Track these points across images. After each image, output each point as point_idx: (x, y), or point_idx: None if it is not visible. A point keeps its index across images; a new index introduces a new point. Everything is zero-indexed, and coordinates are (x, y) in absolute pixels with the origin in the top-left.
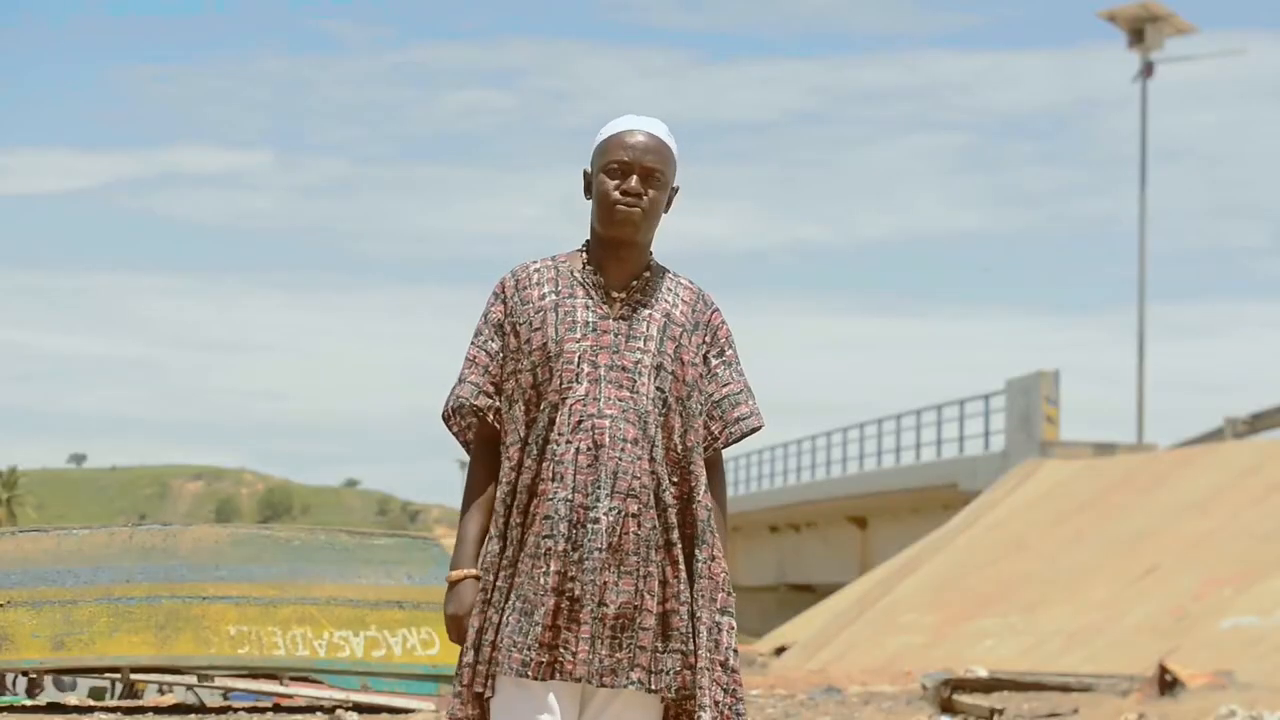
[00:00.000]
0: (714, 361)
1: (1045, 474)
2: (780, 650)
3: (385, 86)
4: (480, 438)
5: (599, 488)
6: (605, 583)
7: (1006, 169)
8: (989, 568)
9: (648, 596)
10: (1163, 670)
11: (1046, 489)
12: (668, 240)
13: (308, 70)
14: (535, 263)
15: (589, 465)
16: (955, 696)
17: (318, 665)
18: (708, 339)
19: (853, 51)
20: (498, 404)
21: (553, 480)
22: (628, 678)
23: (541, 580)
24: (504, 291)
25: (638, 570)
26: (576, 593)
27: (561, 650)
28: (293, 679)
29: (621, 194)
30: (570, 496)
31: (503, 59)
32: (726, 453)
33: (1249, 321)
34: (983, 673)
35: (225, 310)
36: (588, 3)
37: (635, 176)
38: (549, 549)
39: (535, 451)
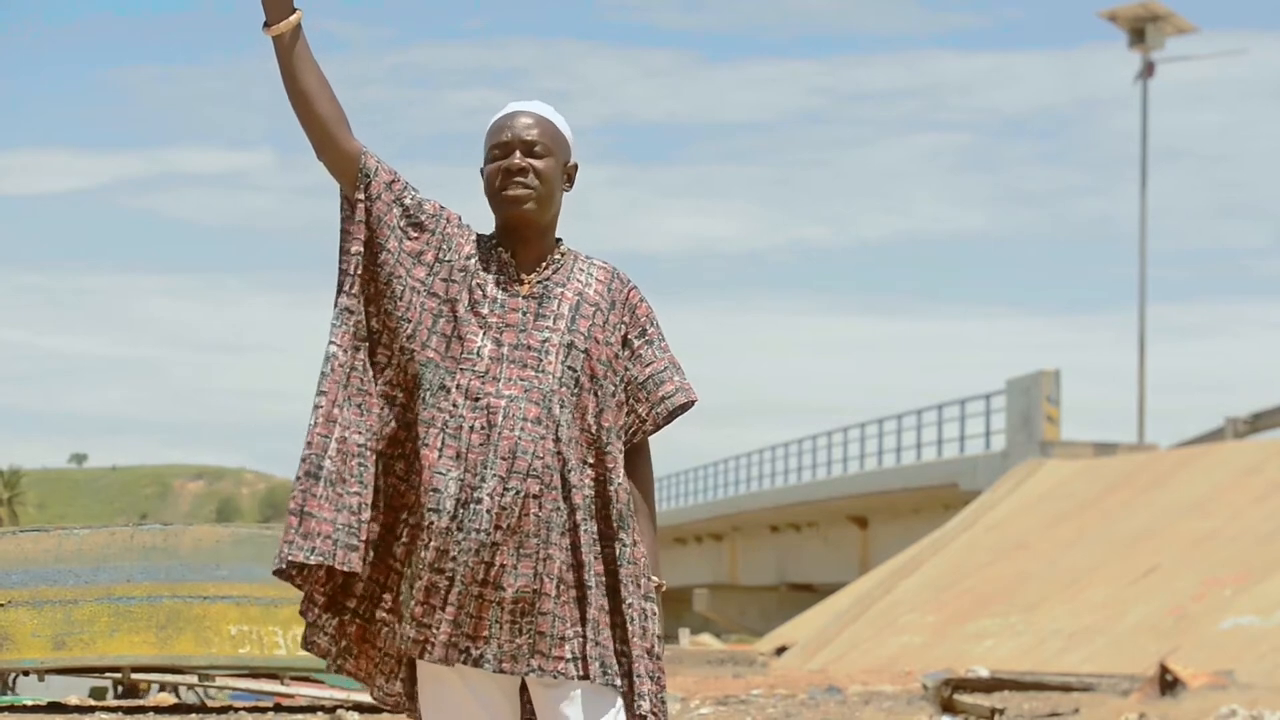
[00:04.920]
0: (636, 342)
1: (1046, 474)
2: (781, 650)
3: (386, 87)
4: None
5: (486, 468)
6: (502, 565)
7: (1007, 169)
8: (989, 567)
9: (547, 580)
10: (1163, 670)
11: (1047, 489)
12: (669, 240)
13: None
14: (472, 227)
15: (481, 444)
16: (956, 696)
17: (319, 665)
18: (626, 318)
19: (854, 52)
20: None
21: (442, 454)
22: (528, 664)
23: (423, 554)
24: (457, 219)
25: (537, 553)
26: (451, 572)
27: (432, 630)
28: (294, 679)
29: (505, 173)
30: (461, 475)
31: (504, 59)
32: (727, 450)
33: (1249, 321)
34: (984, 673)
35: (226, 310)
36: (589, 3)
37: (517, 153)
38: (432, 524)
39: (429, 420)
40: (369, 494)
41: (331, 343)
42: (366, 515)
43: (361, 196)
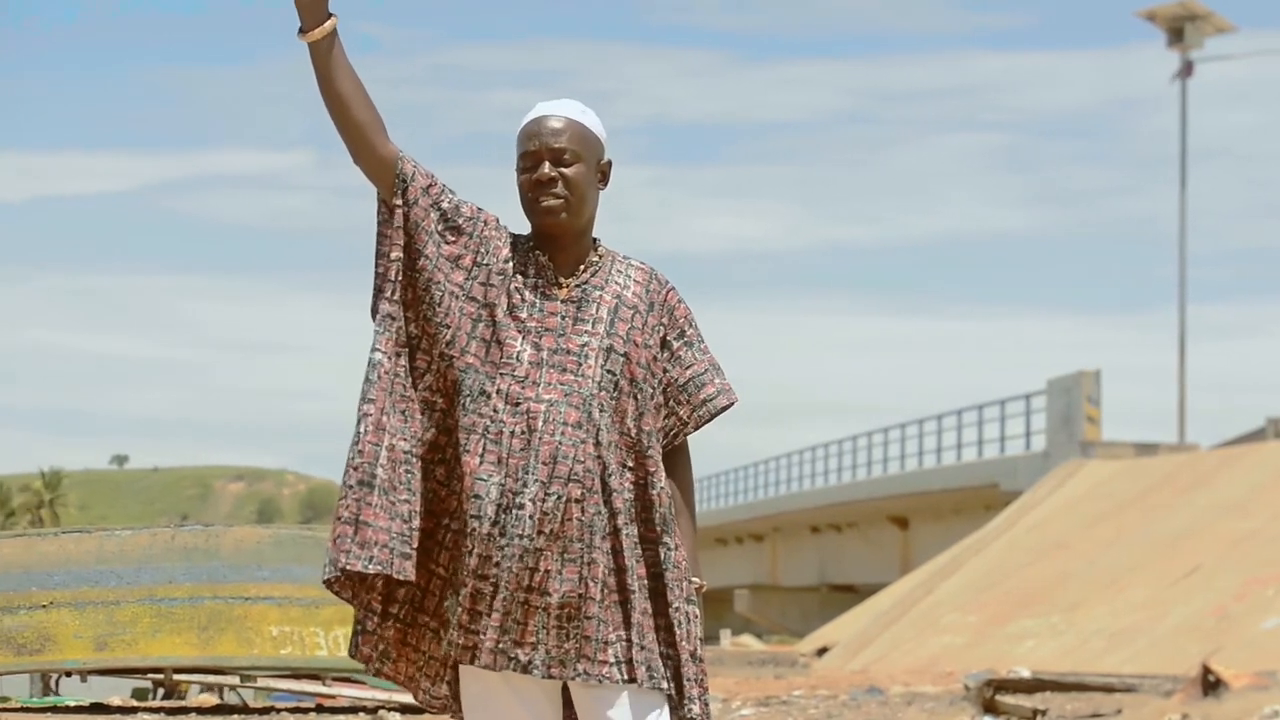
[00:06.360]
0: (675, 344)
1: (1086, 474)
2: (822, 651)
3: (423, 88)
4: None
5: (528, 473)
6: (547, 571)
7: (1046, 169)
8: (1030, 568)
9: (592, 584)
10: (1205, 670)
11: (1088, 489)
12: (707, 240)
13: None
14: (510, 229)
15: (521, 449)
16: (998, 697)
17: (360, 666)
18: (665, 320)
19: (892, 52)
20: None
21: (483, 459)
22: (574, 669)
23: (467, 560)
24: (495, 222)
25: (581, 557)
26: (495, 578)
27: (479, 636)
28: (335, 679)
29: (535, 184)
30: (502, 480)
31: (542, 60)
32: (767, 450)
33: None
34: (1025, 673)
35: (266, 311)
36: (627, 4)
37: (546, 163)
38: (474, 530)
39: (461, 419)
40: (417, 501)
41: (376, 349)
42: (417, 523)
43: (399, 202)
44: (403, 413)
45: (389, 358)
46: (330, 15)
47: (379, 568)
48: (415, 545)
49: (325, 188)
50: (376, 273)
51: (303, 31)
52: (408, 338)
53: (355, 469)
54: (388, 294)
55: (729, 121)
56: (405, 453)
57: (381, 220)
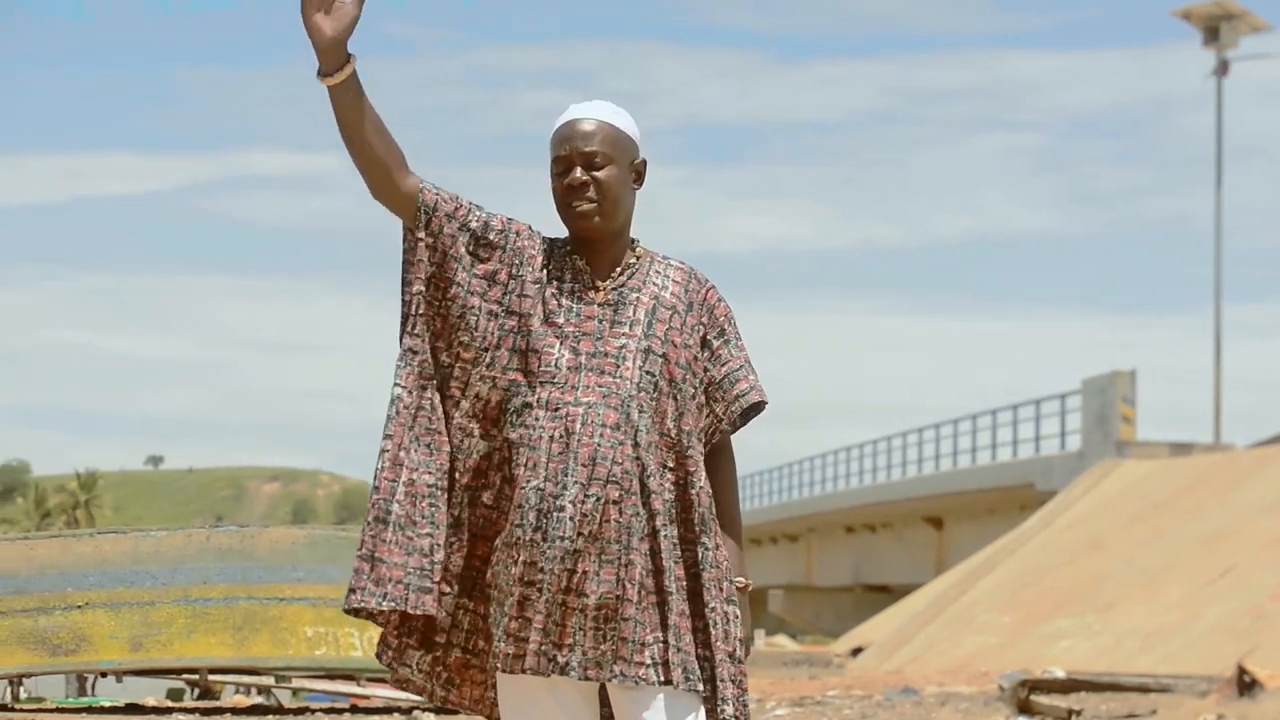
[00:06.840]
0: (715, 342)
1: (1122, 474)
2: (857, 651)
3: (455, 89)
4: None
5: (567, 475)
6: (585, 572)
7: (1080, 169)
8: (1065, 568)
9: (629, 586)
10: (1241, 671)
11: (1123, 489)
12: (740, 240)
13: (377, 73)
14: (543, 233)
15: (560, 453)
16: (1033, 697)
17: None
18: (705, 319)
19: (924, 51)
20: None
21: (525, 467)
22: (610, 670)
23: (512, 570)
24: (528, 231)
25: (619, 559)
26: (540, 583)
27: (527, 643)
28: (370, 680)
29: (568, 190)
30: (541, 485)
31: (574, 61)
32: (802, 451)
33: None
34: (1060, 673)
35: (301, 312)
36: (659, 4)
37: (578, 168)
38: (518, 538)
39: (509, 435)
40: (441, 534)
41: (396, 384)
42: (439, 556)
43: (422, 234)
44: (427, 446)
45: (409, 392)
46: (350, 56)
47: (392, 604)
48: (438, 578)
49: (359, 189)
50: (403, 300)
51: (322, 74)
52: (436, 367)
53: (373, 505)
54: (409, 328)
55: (761, 122)
56: (429, 486)
57: (406, 249)
